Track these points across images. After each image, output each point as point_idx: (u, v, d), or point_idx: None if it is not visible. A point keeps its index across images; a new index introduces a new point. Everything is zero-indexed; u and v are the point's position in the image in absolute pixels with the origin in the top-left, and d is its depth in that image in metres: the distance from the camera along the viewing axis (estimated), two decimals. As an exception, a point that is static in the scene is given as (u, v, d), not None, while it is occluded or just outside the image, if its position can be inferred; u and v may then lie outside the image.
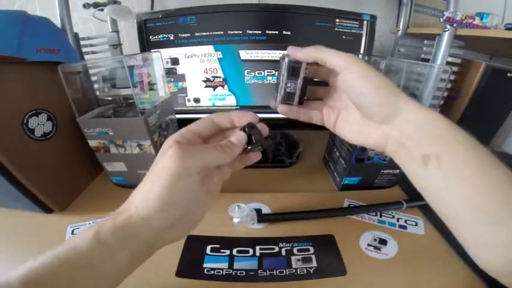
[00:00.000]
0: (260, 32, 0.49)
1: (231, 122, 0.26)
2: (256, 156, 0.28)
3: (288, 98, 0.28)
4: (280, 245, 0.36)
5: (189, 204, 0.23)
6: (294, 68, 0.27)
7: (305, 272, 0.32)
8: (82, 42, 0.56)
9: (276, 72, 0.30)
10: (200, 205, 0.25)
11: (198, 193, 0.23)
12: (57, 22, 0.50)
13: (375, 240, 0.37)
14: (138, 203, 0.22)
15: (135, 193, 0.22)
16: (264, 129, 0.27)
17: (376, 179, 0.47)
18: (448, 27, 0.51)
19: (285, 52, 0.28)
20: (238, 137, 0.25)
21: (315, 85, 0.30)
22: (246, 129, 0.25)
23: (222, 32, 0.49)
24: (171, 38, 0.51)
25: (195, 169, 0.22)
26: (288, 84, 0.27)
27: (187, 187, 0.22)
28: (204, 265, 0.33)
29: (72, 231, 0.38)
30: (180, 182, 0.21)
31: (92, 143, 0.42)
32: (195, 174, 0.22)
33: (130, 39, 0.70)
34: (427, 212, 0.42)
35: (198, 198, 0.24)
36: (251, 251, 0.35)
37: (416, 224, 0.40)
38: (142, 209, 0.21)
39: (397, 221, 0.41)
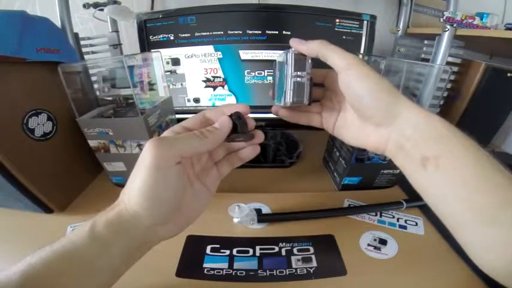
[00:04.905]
0: (260, 32, 0.49)
1: (223, 115, 0.26)
2: (254, 150, 0.28)
3: (298, 95, 0.26)
4: (280, 245, 0.36)
5: (176, 200, 0.22)
6: (300, 60, 0.26)
7: (305, 272, 0.32)
8: (82, 42, 0.56)
9: (277, 72, 0.29)
10: (194, 201, 0.25)
11: (185, 187, 0.23)
12: (57, 22, 0.49)
13: (375, 240, 0.37)
14: (126, 199, 0.22)
15: (124, 188, 0.23)
16: (251, 123, 0.27)
17: (376, 179, 0.47)
18: (448, 27, 0.51)
19: (280, 52, 0.28)
20: (221, 122, 0.24)
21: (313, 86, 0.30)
22: (233, 117, 0.25)
23: (222, 32, 0.49)
24: (171, 38, 0.51)
25: (173, 159, 0.21)
26: (299, 73, 0.26)
27: (168, 179, 0.21)
28: (204, 265, 0.33)
29: (72, 231, 0.38)
30: (158, 175, 0.21)
31: (92, 143, 0.42)
32: (175, 165, 0.21)
33: (130, 39, 0.70)
34: (427, 212, 0.42)
35: (189, 193, 0.24)
36: (251, 251, 0.35)
37: (416, 224, 0.40)
38: (130, 206, 0.21)
39: (397, 221, 0.41)
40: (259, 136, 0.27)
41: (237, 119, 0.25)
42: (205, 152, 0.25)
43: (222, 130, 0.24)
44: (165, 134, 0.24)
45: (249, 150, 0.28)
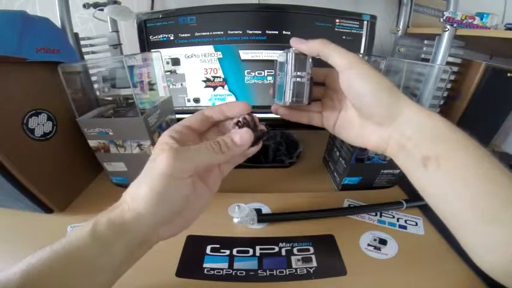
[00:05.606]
0: (260, 32, 0.49)
1: (223, 114, 0.26)
2: (256, 147, 0.27)
3: (297, 95, 0.27)
4: (280, 245, 0.36)
5: (181, 203, 0.22)
6: (300, 60, 0.26)
7: (305, 272, 0.32)
8: (82, 42, 0.56)
9: (278, 72, 0.29)
10: (196, 201, 0.24)
11: (191, 193, 0.23)
12: (57, 22, 0.49)
13: (375, 240, 0.37)
14: (129, 200, 0.22)
15: (128, 189, 0.22)
16: (256, 120, 0.26)
17: (376, 179, 0.47)
18: (448, 27, 0.51)
19: (281, 52, 0.28)
20: (243, 139, 0.23)
21: (313, 85, 0.30)
22: (251, 126, 0.23)
23: (222, 32, 0.49)
24: (171, 38, 0.51)
25: (187, 173, 0.21)
26: (299, 73, 0.26)
27: (177, 190, 0.21)
28: (204, 265, 0.33)
29: (72, 231, 0.38)
30: (169, 185, 0.21)
31: (92, 143, 0.42)
32: (187, 177, 0.21)
33: (130, 39, 0.70)
34: (427, 212, 0.42)
35: (193, 196, 0.24)
36: (251, 251, 0.35)
37: (416, 224, 0.40)
38: (133, 207, 0.21)
39: (397, 221, 0.41)
40: (263, 129, 0.27)
41: (253, 126, 0.24)
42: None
43: (243, 147, 0.23)
44: (168, 133, 0.23)
45: (252, 148, 0.27)
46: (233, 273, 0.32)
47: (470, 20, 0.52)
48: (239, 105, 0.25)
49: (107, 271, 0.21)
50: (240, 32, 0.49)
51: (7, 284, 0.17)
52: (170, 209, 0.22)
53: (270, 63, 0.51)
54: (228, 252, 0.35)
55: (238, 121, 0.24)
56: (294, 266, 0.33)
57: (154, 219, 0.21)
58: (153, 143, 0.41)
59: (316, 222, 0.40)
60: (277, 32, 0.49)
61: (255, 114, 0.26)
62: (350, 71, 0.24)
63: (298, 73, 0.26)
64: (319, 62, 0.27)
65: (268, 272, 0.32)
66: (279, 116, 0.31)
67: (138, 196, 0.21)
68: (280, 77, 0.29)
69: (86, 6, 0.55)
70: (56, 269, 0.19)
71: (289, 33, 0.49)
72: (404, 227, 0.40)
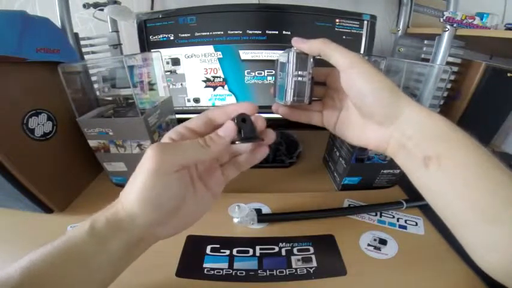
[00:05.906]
0: (260, 32, 0.49)
1: (227, 116, 0.25)
2: (261, 153, 0.27)
3: (298, 94, 0.27)
4: (280, 245, 0.36)
5: (174, 202, 0.22)
6: (302, 59, 0.26)
7: (305, 272, 0.32)
8: (82, 42, 0.56)
9: (279, 72, 0.29)
10: (195, 204, 0.24)
11: (186, 191, 0.23)
12: (57, 22, 0.50)
13: (375, 240, 0.37)
14: (123, 199, 0.22)
15: (124, 189, 0.23)
16: (261, 121, 0.25)
17: (376, 179, 0.47)
18: (448, 27, 0.51)
19: (282, 51, 0.28)
20: (226, 129, 0.23)
21: (314, 84, 0.30)
22: (235, 120, 0.23)
23: (222, 32, 0.49)
24: (171, 38, 0.51)
25: (173, 167, 0.21)
26: (300, 73, 0.26)
27: (167, 186, 0.21)
28: (204, 265, 0.33)
29: (72, 229, 0.38)
30: (158, 182, 0.21)
31: (92, 143, 0.42)
32: (176, 173, 0.21)
33: (130, 39, 0.70)
34: (427, 212, 0.42)
35: (190, 196, 0.24)
36: (251, 251, 0.35)
37: (416, 224, 0.40)
38: (126, 206, 0.21)
39: (397, 221, 0.41)
40: (270, 136, 0.26)
41: (240, 122, 0.23)
42: (208, 160, 0.25)
43: (225, 138, 0.23)
44: (168, 134, 0.23)
45: (256, 153, 0.27)
46: (233, 273, 0.32)
47: (470, 20, 0.52)
48: (244, 106, 0.25)
49: (104, 268, 0.21)
50: (240, 32, 0.49)
51: (7, 280, 0.18)
52: (165, 208, 0.22)
53: (270, 63, 0.51)
54: (228, 252, 0.35)
55: (234, 118, 0.24)
56: (294, 266, 0.33)
57: (148, 218, 0.21)
58: (153, 143, 0.41)
59: (316, 222, 0.40)
60: (277, 32, 0.49)
61: (257, 115, 0.25)
62: (351, 70, 0.24)
63: (300, 72, 0.26)
64: (320, 62, 0.27)
65: (268, 272, 0.32)
66: (279, 116, 0.31)
67: (130, 195, 0.21)
68: (281, 77, 0.29)
69: (86, 6, 0.55)
70: (55, 265, 0.19)
71: (289, 33, 0.49)
72: (404, 227, 0.40)
